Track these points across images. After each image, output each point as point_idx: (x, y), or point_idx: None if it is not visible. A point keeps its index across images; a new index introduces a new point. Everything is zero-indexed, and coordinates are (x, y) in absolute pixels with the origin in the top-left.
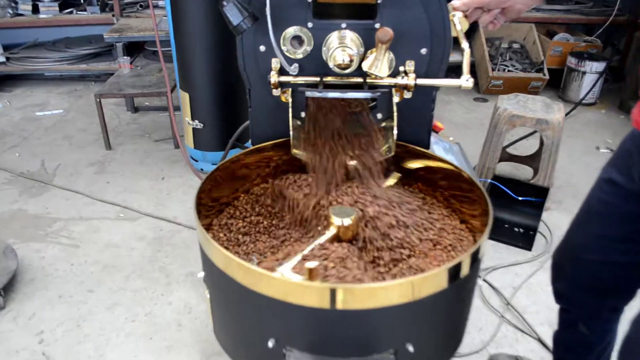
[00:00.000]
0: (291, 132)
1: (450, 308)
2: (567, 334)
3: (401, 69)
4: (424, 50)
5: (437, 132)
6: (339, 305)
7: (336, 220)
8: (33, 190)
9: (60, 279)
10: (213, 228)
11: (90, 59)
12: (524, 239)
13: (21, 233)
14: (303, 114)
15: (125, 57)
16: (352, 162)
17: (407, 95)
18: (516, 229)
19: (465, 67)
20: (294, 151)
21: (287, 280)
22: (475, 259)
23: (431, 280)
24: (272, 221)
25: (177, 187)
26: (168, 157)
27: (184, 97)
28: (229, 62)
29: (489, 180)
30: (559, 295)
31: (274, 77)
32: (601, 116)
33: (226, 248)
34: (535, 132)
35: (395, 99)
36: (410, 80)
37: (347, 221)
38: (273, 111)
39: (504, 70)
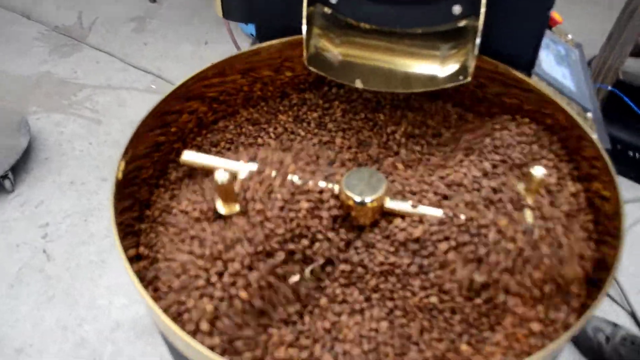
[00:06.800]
0: (304, 30)
1: None
2: None
3: None
4: None
5: (550, 28)
6: None
7: (351, 196)
8: (65, 49)
9: (75, 161)
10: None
11: None
12: None
13: (44, 101)
14: None
15: None
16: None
17: None
18: (631, 153)
19: None
20: (308, 62)
21: None
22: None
23: None
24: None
25: (220, 55)
26: (218, 17)
27: None
28: None
29: (609, 88)
30: None
31: None
32: None
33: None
34: None
35: None
36: None
37: (369, 199)
38: None
39: None
